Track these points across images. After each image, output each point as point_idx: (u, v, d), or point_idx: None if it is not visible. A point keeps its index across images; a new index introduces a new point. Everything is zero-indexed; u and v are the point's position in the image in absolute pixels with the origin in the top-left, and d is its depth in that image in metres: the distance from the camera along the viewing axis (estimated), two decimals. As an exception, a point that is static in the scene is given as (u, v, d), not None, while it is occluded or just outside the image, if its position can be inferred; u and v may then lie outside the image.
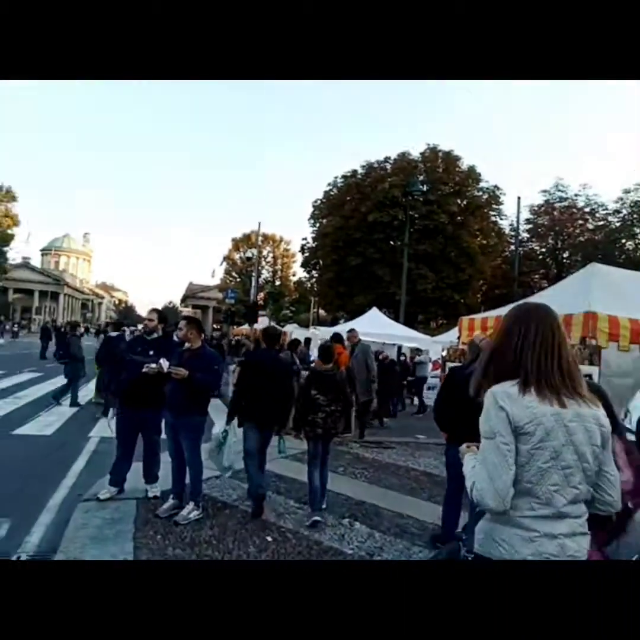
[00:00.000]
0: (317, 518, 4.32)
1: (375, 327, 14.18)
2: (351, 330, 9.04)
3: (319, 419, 4.50)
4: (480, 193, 29.07)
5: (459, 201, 28.14)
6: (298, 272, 45.33)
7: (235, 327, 35.60)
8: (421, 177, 26.68)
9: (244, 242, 50.07)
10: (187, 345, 4.39)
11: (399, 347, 14.60)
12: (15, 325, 43.38)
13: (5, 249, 48.28)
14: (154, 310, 4.94)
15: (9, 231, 47.95)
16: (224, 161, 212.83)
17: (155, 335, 4.70)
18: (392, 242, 27.41)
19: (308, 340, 13.04)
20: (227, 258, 50.35)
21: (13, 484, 4.91)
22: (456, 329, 9.21)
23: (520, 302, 2.01)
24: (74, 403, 9.46)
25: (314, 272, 35.51)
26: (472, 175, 28.51)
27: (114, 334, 9.94)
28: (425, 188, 25.68)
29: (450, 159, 28.51)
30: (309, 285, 38.23)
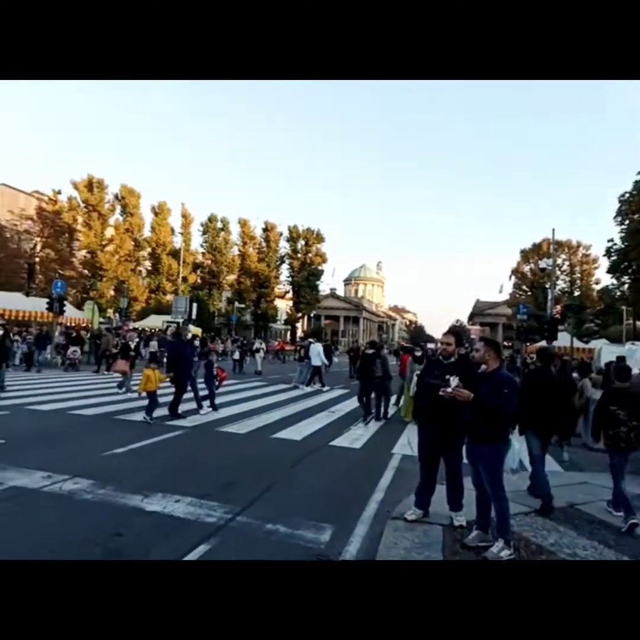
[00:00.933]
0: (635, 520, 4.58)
1: None
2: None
3: (622, 433, 4.91)
4: None
5: None
6: (603, 279, 39.51)
7: (528, 344, 33.09)
8: None
9: (534, 252, 46.50)
10: (483, 367, 4.14)
11: None
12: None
13: (317, 282, 57.31)
14: (451, 332, 4.79)
15: (320, 268, 56.80)
16: (511, 167, 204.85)
17: (452, 359, 4.56)
18: None
19: (621, 359, 10.87)
20: (515, 271, 47.63)
21: (336, 492, 5.49)
22: None
23: None
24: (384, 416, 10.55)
25: (625, 277, 30.24)
26: None
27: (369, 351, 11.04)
28: None
29: None
30: (619, 293, 32.78)
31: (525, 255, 47.83)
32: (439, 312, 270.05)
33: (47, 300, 19.84)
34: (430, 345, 16.32)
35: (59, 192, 40.20)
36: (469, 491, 4.47)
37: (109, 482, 5.20)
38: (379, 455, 7.35)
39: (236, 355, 22.20)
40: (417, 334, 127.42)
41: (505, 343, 54.73)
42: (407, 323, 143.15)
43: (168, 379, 9.43)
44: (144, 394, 9.34)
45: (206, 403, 10.09)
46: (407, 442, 8.08)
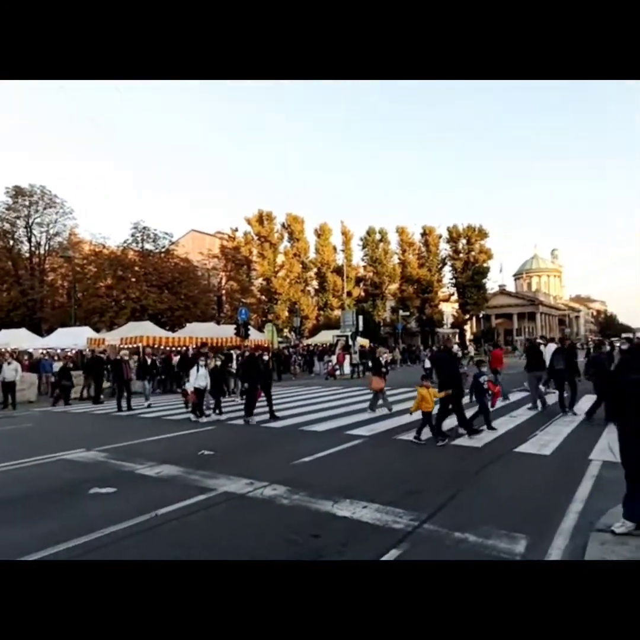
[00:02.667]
0: None
1: None
2: None
3: None
4: None
5: None
6: None
7: None
8: None
9: None
10: None
11: None
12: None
13: (483, 281, 54.50)
14: None
15: (485, 265, 53.97)
16: None
17: None
18: None
19: None
20: None
21: (527, 501, 5.18)
22: None
23: None
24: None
25: None
26: None
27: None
28: None
29: None
30: None
31: None
32: (634, 296, 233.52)
33: (234, 326, 22.46)
34: (628, 335, 14.04)
35: (236, 230, 45.47)
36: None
37: (301, 489, 5.67)
38: (573, 462, 6.67)
39: (427, 364, 21.18)
40: (607, 324, 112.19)
41: None
42: (594, 313, 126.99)
43: (444, 396, 8.44)
44: (417, 413, 8.63)
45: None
46: (608, 447, 7.19)
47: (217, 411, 12.16)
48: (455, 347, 10.07)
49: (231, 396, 15.60)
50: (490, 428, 9.03)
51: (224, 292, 38.84)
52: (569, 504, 4.99)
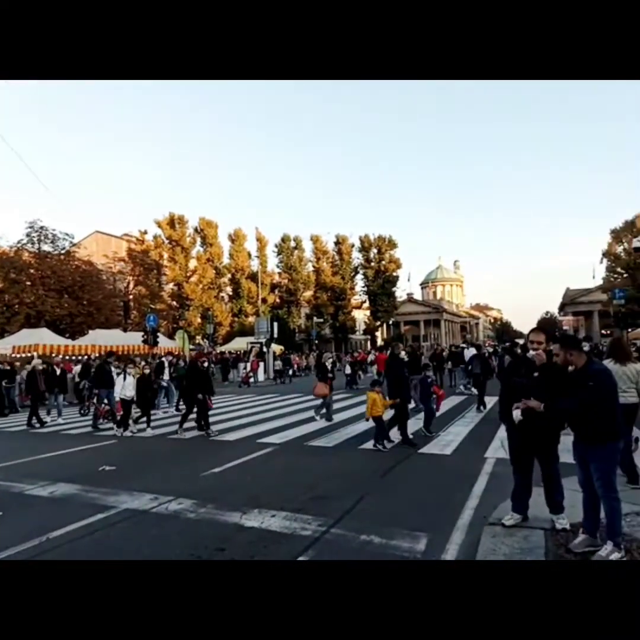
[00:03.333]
0: None
1: None
2: None
3: None
4: None
5: None
6: None
7: (630, 330, 30.51)
8: None
9: (626, 231, 42.93)
10: (571, 368, 3.92)
11: None
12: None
13: (393, 289, 56.80)
14: (539, 329, 4.50)
15: (394, 274, 56.27)
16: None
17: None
18: None
19: None
20: (607, 254, 44.19)
21: (429, 500, 5.43)
22: None
23: None
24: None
25: None
26: None
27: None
28: None
29: None
30: None
31: (617, 235, 44.21)
32: (526, 306, 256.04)
33: (142, 333, 21.42)
34: (521, 342, 15.22)
35: (145, 232, 43.46)
36: (572, 492, 4.24)
37: (209, 501, 5.51)
38: (471, 460, 7.12)
39: (348, 370, 20.80)
40: (502, 331, 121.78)
41: (604, 331, 50.82)
42: (491, 320, 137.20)
43: (392, 403, 8.49)
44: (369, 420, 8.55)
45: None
46: (500, 445, 7.76)
47: (148, 425, 10.99)
48: (403, 353, 10.10)
49: (159, 409, 14.54)
50: (429, 433, 9.12)
51: (131, 297, 36.95)
52: (466, 501, 5.30)
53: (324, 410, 11.35)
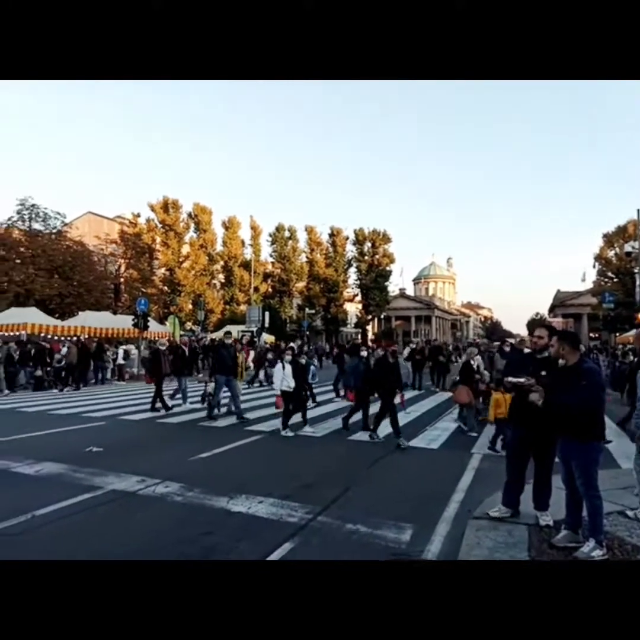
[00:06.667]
0: None
1: None
2: None
3: None
4: None
5: None
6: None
7: (618, 334, 30.88)
8: None
9: (618, 235, 43.29)
10: (561, 362, 3.97)
11: None
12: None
13: (386, 284, 56.88)
14: (544, 326, 4.63)
15: (388, 268, 56.34)
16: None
17: (545, 354, 4.39)
18: None
19: None
20: (599, 258, 44.58)
21: (415, 493, 5.48)
22: None
23: None
24: None
25: None
26: None
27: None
28: None
29: None
30: None
31: (609, 239, 44.59)
32: (516, 306, 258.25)
33: (132, 317, 21.29)
34: (511, 341, 15.11)
35: (138, 215, 43.05)
36: (556, 490, 4.30)
37: (196, 485, 5.52)
38: (458, 456, 7.20)
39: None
40: (493, 329, 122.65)
41: (592, 334, 51.43)
42: (482, 319, 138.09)
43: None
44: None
45: None
46: (488, 441, 7.84)
47: (305, 422, 9.26)
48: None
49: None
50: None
51: (122, 280, 36.60)
52: (452, 494, 5.37)
53: (464, 421, 9.32)
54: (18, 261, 28.09)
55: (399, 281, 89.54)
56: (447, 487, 5.60)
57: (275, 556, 3.79)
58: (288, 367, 9.04)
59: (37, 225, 31.09)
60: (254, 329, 28.88)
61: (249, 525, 4.42)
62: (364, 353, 9.55)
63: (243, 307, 42.96)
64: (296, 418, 9.10)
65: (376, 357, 9.62)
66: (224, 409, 10.92)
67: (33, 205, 30.71)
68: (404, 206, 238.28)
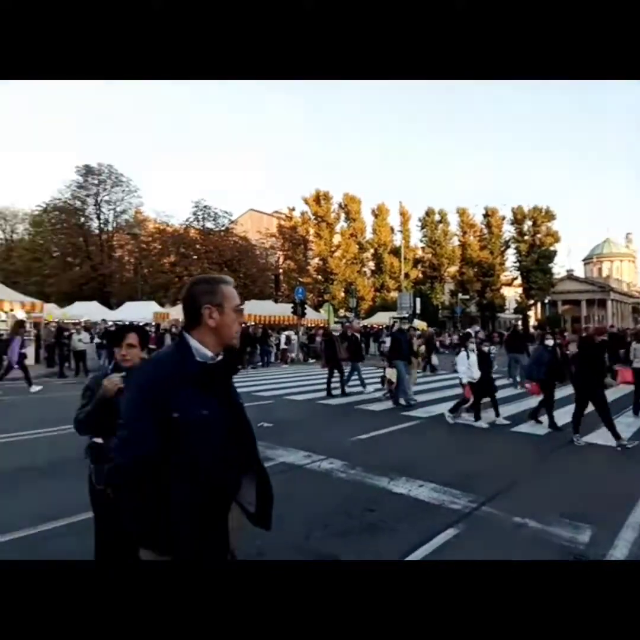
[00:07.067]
0: None
1: None
2: None
3: None
4: None
5: None
6: None
7: None
8: None
9: None
10: None
11: None
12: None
13: (550, 265, 52.01)
14: None
15: (552, 248, 51.42)
16: None
17: None
18: None
19: None
20: None
21: (593, 492, 5.00)
22: None
23: None
24: None
25: None
26: None
27: None
28: None
29: None
30: None
31: None
32: None
33: (291, 305, 22.76)
34: None
35: (293, 209, 45.69)
36: None
37: (357, 464, 5.74)
38: (645, 455, 6.34)
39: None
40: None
41: None
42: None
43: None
44: None
45: None
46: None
47: (497, 414, 8.57)
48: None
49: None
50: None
51: (281, 271, 39.31)
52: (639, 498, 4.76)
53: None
54: (195, 257, 31.91)
55: (566, 262, 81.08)
56: (636, 489, 4.98)
57: (438, 541, 3.77)
58: (473, 356, 8.37)
59: (209, 224, 34.88)
60: (406, 316, 28.71)
61: (410, 507, 4.47)
62: (550, 341, 8.74)
63: (393, 294, 43.02)
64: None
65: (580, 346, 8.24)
66: (379, 394, 11.14)
67: (205, 207, 34.49)
68: (567, 176, 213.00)
